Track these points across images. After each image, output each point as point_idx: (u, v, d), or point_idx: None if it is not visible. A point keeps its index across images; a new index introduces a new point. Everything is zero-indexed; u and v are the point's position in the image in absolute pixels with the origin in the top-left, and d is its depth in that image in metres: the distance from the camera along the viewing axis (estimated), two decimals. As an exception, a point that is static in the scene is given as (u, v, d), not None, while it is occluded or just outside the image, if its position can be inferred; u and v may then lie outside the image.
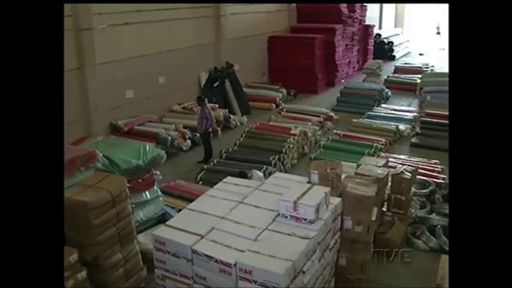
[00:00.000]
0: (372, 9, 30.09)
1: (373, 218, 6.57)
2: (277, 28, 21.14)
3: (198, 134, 12.47)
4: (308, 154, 12.31)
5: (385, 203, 8.16)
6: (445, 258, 5.86)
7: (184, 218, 5.81)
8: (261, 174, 8.94)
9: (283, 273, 4.57)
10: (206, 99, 12.13)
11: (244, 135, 12.70)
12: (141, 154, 7.90)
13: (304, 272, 5.01)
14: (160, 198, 8.29)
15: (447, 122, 13.64)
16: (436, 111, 14.53)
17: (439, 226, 8.23)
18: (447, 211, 8.75)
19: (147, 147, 8.15)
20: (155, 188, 8.28)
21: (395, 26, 38.54)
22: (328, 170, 6.42)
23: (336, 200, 6.02)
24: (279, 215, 5.56)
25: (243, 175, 8.36)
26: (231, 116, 15.11)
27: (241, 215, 5.68)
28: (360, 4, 24.37)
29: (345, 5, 22.47)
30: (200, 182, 10.25)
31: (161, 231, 5.53)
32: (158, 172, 8.66)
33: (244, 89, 17.36)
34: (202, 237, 5.24)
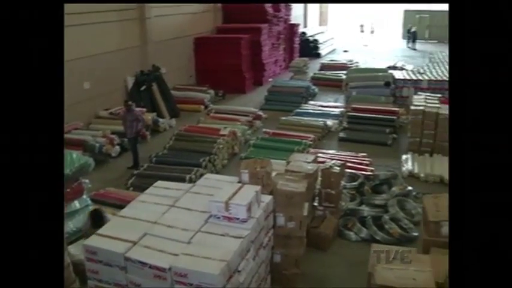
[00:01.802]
0: (297, 8, 30.60)
1: (305, 213, 6.68)
2: (203, 29, 21.08)
3: (126, 139, 12.24)
4: (238, 154, 12.35)
5: (316, 198, 8.32)
6: (375, 247, 6.06)
7: (115, 225, 5.68)
8: None
9: (218, 274, 4.56)
10: (133, 104, 11.92)
11: (173, 138, 12.59)
12: (68, 163, 7.69)
13: (239, 271, 5.03)
14: (90, 207, 8.08)
15: (373, 115, 14.12)
16: (361, 106, 14.99)
17: (369, 217, 8.48)
18: (376, 202, 9.06)
19: (74, 156, 7.94)
20: (84, 196, 8.08)
21: (320, 24, 39.35)
22: (258, 169, 6.47)
23: (267, 198, 6.07)
24: (211, 216, 5.55)
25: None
26: (160, 119, 14.92)
27: (173, 218, 5.62)
28: (284, 3, 24.68)
29: (270, 4, 22.68)
30: (131, 188, 10.08)
31: (92, 240, 5.38)
32: (87, 180, 8.44)
33: (172, 91, 17.19)
34: (134, 243, 5.14)
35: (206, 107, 17.10)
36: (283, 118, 14.72)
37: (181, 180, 9.49)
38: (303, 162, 8.04)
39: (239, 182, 6.38)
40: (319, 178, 8.25)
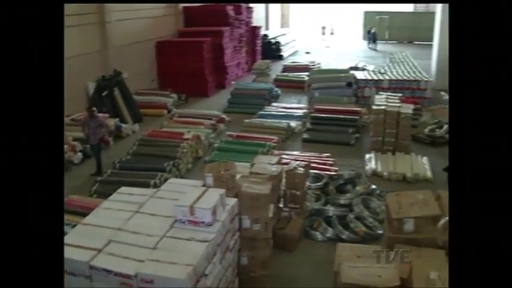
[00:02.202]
0: (258, 10, 30.69)
1: (270, 215, 6.70)
2: (165, 33, 20.94)
3: (89, 146, 12.05)
4: (203, 157, 12.30)
5: (281, 199, 8.36)
6: (341, 246, 6.12)
7: (79, 233, 5.59)
8: None
9: (184, 279, 4.54)
10: (96, 109, 11.75)
11: (137, 143, 12.45)
12: (28, 171, 7.50)
13: (206, 275, 5.01)
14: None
15: (335, 116, 14.27)
16: (324, 107, 15.13)
17: (334, 216, 8.57)
18: (341, 201, 9.15)
19: (34, 164, 7.75)
20: (46, 205, 7.89)
21: (281, 27, 39.52)
22: (222, 172, 6.47)
23: (232, 201, 6.07)
24: (176, 221, 5.52)
25: None
26: (122, 124, 14.73)
27: (138, 224, 5.57)
28: (246, 6, 24.73)
29: (231, 7, 22.68)
30: (94, 195, 9.92)
31: (55, 249, 5.29)
32: (48, 189, 8.26)
33: (134, 96, 17.00)
34: (99, 251, 5.07)
35: (169, 111, 16.96)
36: (247, 121, 14.72)
37: (146, 185, 9.39)
38: (267, 164, 8.07)
39: (203, 185, 6.37)
40: (284, 179, 8.29)
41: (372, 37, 35.48)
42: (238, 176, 6.91)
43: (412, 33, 37.56)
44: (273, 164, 8.07)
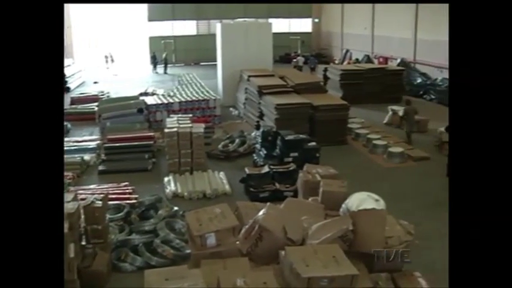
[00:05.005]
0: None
1: (72, 255, 6.43)
2: None
3: None
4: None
5: (83, 236, 8.05)
6: (148, 272, 6.08)
7: None
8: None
9: None
10: None
11: None
12: None
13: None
14: None
15: (130, 144, 14.16)
16: (117, 136, 14.84)
17: (140, 244, 8.49)
18: (145, 228, 9.09)
19: None
20: None
21: (66, 57, 38.05)
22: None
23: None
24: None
25: None
26: None
27: None
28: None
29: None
30: None
31: None
32: None
33: None
34: None
35: None
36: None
37: None
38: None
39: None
40: (83, 215, 8.00)
41: (159, 61, 36.07)
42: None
43: (198, 55, 39.21)
44: (69, 202, 7.74)
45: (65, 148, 14.99)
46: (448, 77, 23.38)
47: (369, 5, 34.33)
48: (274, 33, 23.04)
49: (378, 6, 33.56)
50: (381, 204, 6.20)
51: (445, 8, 24.29)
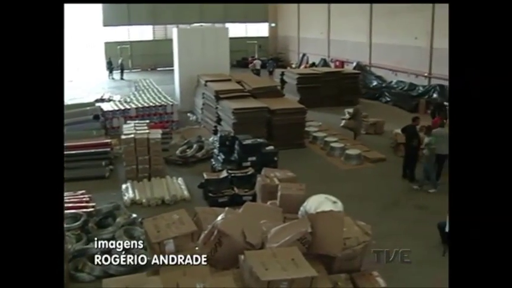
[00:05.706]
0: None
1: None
2: None
3: None
4: None
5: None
6: (107, 281, 6.02)
7: None
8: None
9: None
10: None
11: None
12: None
13: None
14: None
15: (86, 151, 13.94)
16: (73, 143, 14.54)
17: (98, 253, 8.35)
18: (104, 236, 8.95)
19: None
20: None
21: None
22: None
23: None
24: None
25: None
26: None
27: None
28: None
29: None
30: None
31: None
32: None
33: None
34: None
35: None
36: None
37: None
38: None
39: None
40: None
41: (114, 67, 35.59)
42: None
43: (154, 60, 38.88)
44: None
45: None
46: (401, 79, 23.98)
47: (325, 10, 34.73)
48: (231, 38, 23.11)
49: (334, 10, 33.99)
50: (338, 206, 6.28)
51: (398, 12, 24.95)
